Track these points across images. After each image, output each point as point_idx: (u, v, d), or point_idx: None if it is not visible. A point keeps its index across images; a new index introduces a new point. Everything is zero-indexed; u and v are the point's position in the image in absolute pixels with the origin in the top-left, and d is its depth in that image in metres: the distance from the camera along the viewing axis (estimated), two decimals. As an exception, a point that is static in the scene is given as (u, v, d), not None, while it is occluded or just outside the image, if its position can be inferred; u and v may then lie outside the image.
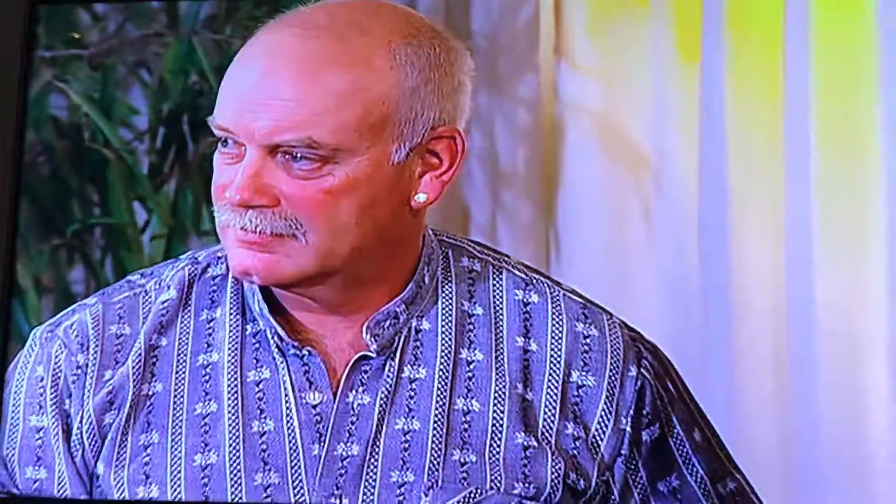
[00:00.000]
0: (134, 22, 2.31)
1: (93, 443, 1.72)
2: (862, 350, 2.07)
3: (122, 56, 2.30)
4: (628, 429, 1.72)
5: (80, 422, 1.73)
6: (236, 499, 1.69)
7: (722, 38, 2.15)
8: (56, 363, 1.75)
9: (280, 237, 1.65)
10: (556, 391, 1.72)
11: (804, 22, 2.10)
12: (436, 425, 1.70)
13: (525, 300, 1.76)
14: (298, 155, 1.65)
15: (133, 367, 1.73)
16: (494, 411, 1.71)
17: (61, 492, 1.72)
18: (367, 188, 1.66)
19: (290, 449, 1.69)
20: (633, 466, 1.73)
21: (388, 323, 1.72)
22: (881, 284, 2.07)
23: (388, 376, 1.72)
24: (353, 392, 1.71)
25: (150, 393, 1.73)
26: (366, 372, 1.72)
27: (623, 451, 1.72)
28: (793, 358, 2.10)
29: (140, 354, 1.74)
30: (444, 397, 1.71)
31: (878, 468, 2.05)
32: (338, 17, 1.67)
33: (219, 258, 1.79)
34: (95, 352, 1.75)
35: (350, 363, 1.71)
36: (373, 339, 1.71)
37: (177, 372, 1.74)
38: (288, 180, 1.65)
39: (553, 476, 1.69)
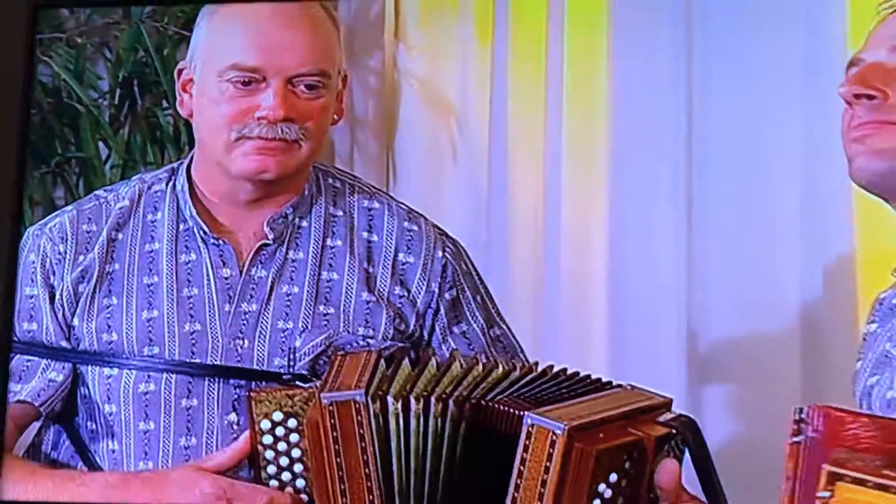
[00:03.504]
0: (98, 13, 2.26)
1: (70, 305, 1.71)
2: (590, 246, 2.10)
3: (90, 38, 2.27)
4: (436, 290, 1.74)
5: (61, 291, 1.72)
6: (170, 344, 1.68)
7: (506, 28, 2.15)
8: (43, 251, 1.73)
9: (292, 144, 1.67)
10: (388, 266, 1.74)
11: (561, 16, 2.11)
12: (308, 290, 1.71)
13: (370, 207, 1.77)
14: (305, 84, 1.66)
15: (98, 253, 1.73)
16: (347, 280, 1.72)
17: (48, 338, 1.70)
18: (332, 108, 1.71)
19: (209, 307, 1.70)
20: (438, 315, 1.75)
21: (280, 221, 1.72)
22: (604, 202, 2.10)
23: (278, 257, 1.72)
24: (255, 268, 1.71)
25: (111, 270, 1.72)
26: (263, 255, 1.72)
27: (432, 306, 1.74)
28: (545, 251, 2.13)
29: (103, 244, 1.73)
30: (315, 271, 1.72)
31: (598, 323, 2.10)
32: None
33: (160, 179, 1.77)
34: (72, 243, 1.73)
35: (253, 249, 1.71)
36: (270, 231, 1.72)
37: (129, 256, 1.73)
38: (300, 102, 1.66)
39: (386, 322, 1.71)
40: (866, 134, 1.45)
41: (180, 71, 1.75)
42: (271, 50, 1.65)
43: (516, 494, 1.41)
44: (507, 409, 1.48)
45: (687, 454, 1.47)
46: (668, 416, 1.48)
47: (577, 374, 1.57)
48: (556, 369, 1.57)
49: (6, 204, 1.80)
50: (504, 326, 1.79)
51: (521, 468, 1.41)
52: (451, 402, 1.50)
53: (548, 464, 1.40)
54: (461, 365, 1.57)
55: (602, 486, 1.42)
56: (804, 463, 1.26)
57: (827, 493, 1.18)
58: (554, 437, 1.40)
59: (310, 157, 1.71)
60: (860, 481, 1.17)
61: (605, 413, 1.46)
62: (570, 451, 1.40)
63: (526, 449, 1.41)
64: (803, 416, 1.26)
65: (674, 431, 1.46)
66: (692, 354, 2.00)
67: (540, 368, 1.58)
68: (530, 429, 1.42)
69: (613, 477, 1.43)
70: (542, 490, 1.40)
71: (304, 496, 1.57)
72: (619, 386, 1.54)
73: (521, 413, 1.44)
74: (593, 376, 1.56)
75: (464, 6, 2.19)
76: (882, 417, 1.35)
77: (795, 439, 1.27)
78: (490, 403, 1.50)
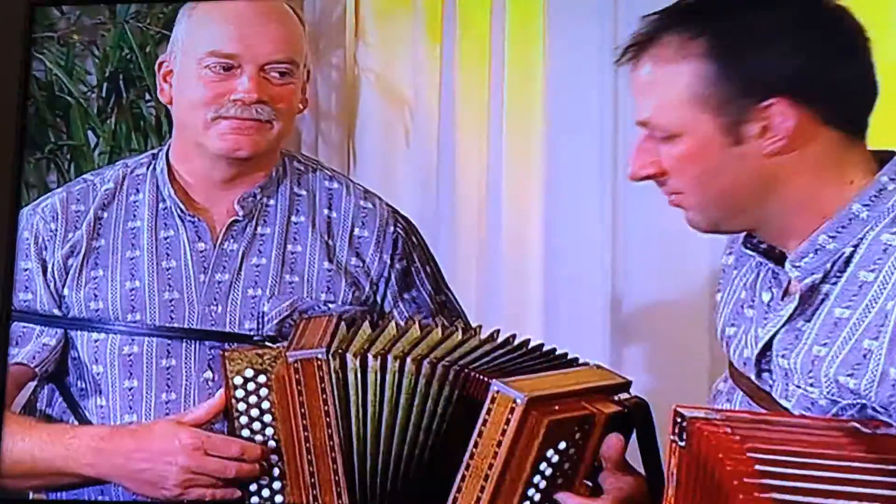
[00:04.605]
0: (87, 14, 2.25)
1: (61, 276, 1.73)
2: (527, 221, 2.10)
3: (79, 36, 2.26)
4: (388, 261, 1.77)
5: (52, 265, 1.73)
6: (151, 310, 1.69)
7: (454, 28, 2.16)
8: (36, 229, 1.75)
9: (265, 124, 1.69)
10: (346, 239, 1.76)
11: (503, 17, 2.12)
12: (275, 261, 1.73)
13: (330, 187, 1.79)
14: (276, 71, 1.68)
15: (86, 230, 1.74)
16: (310, 251, 1.74)
17: (41, 307, 1.72)
18: (299, 95, 1.73)
19: (186, 277, 1.72)
20: (390, 283, 1.77)
21: (249, 199, 1.74)
22: (540, 181, 2.10)
23: (248, 232, 1.74)
24: (227, 242, 1.73)
25: (97, 245, 1.74)
26: (235, 230, 1.74)
27: (384, 274, 1.76)
28: (488, 226, 2.13)
29: (90, 222, 1.74)
30: (281, 244, 1.74)
31: (534, 291, 2.09)
32: None
33: (142, 164, 1.79)
34: (62, 221, 1.75)
35: (225, 225, 1.73)
36: (240, 209, 1.74)
37: (114, 232, 1.74)
38: (271, 86, 1.68)
39: (345, 289, 1.74)
40: (676, 202, 1.42)
41: (161, 64, 1.77)
42: (247, 39, 1.68)
43: (474, 451, 1.45)
44: (477, 375, 1.50)
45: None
46: (623, 396, 1.49)
47: (541, 346, 1.59)
48: (517, 341, 1.59)
49: (5, 187, 1.80)
50: (450, 293, 1.82)
51: (482, 428, 1.45)
52: (408, 359, 1.53)
53: (504, 427, 1.43)
54: (420, 329, 1.60)
55: (550, 452, 1.45)
56: (682, 465, 1.29)
57: None
58: (514, 405, 1.43)
59: (280, 136, 1.72)
60: None
61: (566, 388, 1.47)
62: (525, 419, 1.43)
63: (489, 412, 1.45)
64: (682, 423, 1.29)
65: (625, 410, 1.47)
66: (616, 319, 2.03)
67: (497, 336, 1.60)
68: (495, 395, 1.45)
69: (562, 444, 1.45)
70: (497, 450, 1.44)
71: (272, 443, 1.60)
72: (586, 364, 1.55)
73: (489, 380, 1.47)
74: (559, 351, 1.58)
75: (416, 8, 2.20)
76: (742, 415, 1.35)
77: (673, 439, 1.29)
78: (464, 371, 1.53)
